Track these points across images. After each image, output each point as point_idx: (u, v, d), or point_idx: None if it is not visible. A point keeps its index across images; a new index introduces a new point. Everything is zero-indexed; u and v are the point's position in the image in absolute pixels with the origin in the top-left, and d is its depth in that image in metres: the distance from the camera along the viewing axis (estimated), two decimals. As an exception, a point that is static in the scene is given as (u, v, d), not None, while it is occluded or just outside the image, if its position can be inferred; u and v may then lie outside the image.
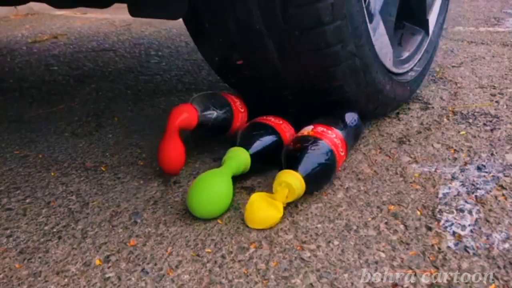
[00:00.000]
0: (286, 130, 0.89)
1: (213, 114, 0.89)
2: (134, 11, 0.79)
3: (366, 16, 0.88)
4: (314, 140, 0.79)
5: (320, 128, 0.82)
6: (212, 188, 0.75)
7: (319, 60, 0.85)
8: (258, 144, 0.85)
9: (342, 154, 0.82)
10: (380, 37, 0.96)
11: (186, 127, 0.85)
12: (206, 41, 0.94)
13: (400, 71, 1.09)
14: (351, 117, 0.91)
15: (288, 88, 0.93)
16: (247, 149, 0.83)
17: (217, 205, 0.75)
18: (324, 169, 0.78)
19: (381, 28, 0.97)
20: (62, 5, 1.04)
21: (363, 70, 0.89)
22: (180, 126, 0.83)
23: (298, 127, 0.92)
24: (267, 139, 0.86)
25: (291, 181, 0.73)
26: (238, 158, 0.81)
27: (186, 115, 0.85)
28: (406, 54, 1.15)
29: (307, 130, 0.83)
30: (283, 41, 0.83)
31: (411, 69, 1.15)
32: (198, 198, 0.74)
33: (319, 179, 0.79)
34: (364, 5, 0.87)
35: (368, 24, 0.90)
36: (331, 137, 0.81)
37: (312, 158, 0.77)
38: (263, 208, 0.72)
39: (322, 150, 0.78)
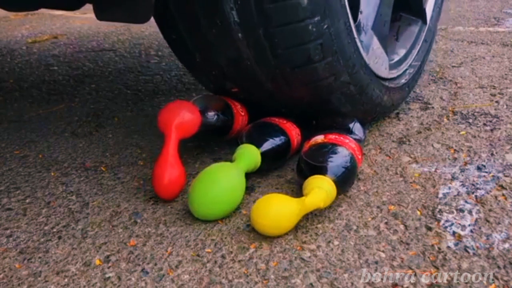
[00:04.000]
0: (292, 128, 0.89)
1: (214, 117, 0.87)
2: (100, 14, 0.77)
3: (357, 42, 0.87)
4: (332, 145, 0.78)
5: (332, 136, 0.81)
6: (220, 185, 0.72)
7: (312, 91, 0.86)
8: (268, 143, 0.83)
9: (360, 157, 0.81)
10: (374, 52, 0.94)
11: (187, 132, 0.80)
12: (199, 71, 0.95)
13: (398, 73, 1.07)
14: (357, 130, 0.89)
15: (285, 107, 0.93)
16: (257, 147, 0.81)
17: (225, 205, 0.73)
18: (349, 172, 0.76)
19: (375, 43, 0.95)
20: (19, 8, 0.99)
21: (358, 93, 0.89)
22: (180, 130, 0.78)
23: (302, 127, 0.92)
24: (276, 137, 0.85)
25: (324, 185, 0.71)
26: (250, 155, 0.80)
27: (189, 116, 0.80)
28: (403, 52, 1.13)
29: (320, 138, 0.81)
30: (275, 75, 0.83)
31: (409, 66, 1.13)
32: (202, 198, 0.72)
33: (346, 183, 0.77)
34: (355, 35, 0.85)
35: (361, 50, 0.88)
36: (346, 141, 0.80)
37: (337, 163, 0.75)
38: (282, 209, 0.68)
39: (343, 154, 0.77)
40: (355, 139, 0.83)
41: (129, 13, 0.75)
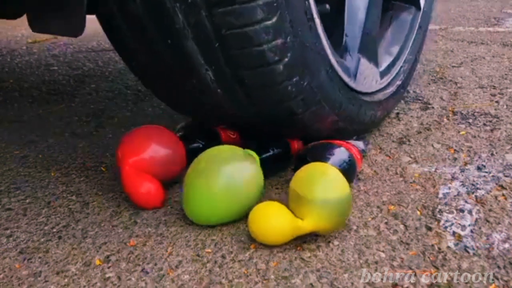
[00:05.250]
0: None
1: (199, 146, 0.86)
2: (34, 26, 0.75)
3: (343, 77, 0.83)
4: (329, 144, 0.79)
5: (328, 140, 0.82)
6: (223, 180, 0.69)
7: (300, 133, 0.85)
8: (267, 148, 0.83)
9: (359, 157, 0.82)
10: (363, 73, 0.91)
11: (170, 175, 0.79)
12: (184, 112, 0.93)
13: (391, 77, 1.03)
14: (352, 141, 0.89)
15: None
16: (256, 153, 0.79)
17: (232, 206, 0.70)
18: (349, 168, 0.77)
19: (363, 64, 0.91)
20: None
21: (349, 125, 0.87)
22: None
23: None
24: (275, 144, 0.85)
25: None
26: None
27: (168, 152, 0.78)
28: (396, 49, 1.07)
29: (316, 142, 0.82)
30: (259, 122, 0.81)
31: (404, 62, 1.08)
32: (198, 198, 0.70)
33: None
34: (340, 73, 0.82)
35: (348, 81, 0.85)
36: (343, 143, 0.81)
37: (335, 156, 0.76)
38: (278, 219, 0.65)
39: (341, 151, 0.78)
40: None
41: (61, 25, 0.73)
